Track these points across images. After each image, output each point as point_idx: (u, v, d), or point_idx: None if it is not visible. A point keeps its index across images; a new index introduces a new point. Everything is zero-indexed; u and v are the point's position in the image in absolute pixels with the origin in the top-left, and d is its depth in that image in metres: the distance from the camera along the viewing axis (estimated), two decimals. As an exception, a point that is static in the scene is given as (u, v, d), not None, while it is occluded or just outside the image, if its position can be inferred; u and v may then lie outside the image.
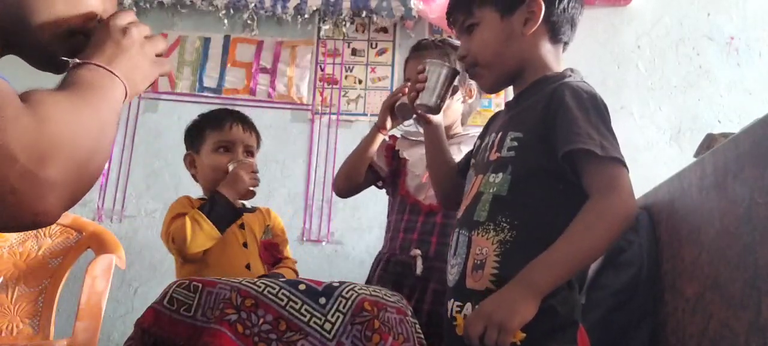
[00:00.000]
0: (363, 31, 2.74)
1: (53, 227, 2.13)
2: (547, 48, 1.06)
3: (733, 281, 1.11)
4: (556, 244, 0.89)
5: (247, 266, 1.51)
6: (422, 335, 1.08)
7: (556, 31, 1.06)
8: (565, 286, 0.94)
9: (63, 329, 2.11)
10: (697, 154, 1.51)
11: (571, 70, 1.06)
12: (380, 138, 1.46)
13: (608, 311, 1.52)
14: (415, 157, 1.46)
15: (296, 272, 1.57)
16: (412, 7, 2.57)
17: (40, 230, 2.12)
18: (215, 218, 1.43)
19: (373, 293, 1.07)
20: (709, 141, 1.49)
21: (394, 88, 2.27)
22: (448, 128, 1.46)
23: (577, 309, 0.96)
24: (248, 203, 1.63)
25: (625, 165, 0.93)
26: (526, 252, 0.91)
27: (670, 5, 2.64)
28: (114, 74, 0.69)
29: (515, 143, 0.99)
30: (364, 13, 2.68)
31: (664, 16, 2.64)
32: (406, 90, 1.32)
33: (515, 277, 0.90)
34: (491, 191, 0.98)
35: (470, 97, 1.49)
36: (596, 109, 0.96)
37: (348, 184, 1.51)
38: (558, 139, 0.93)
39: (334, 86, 2.69)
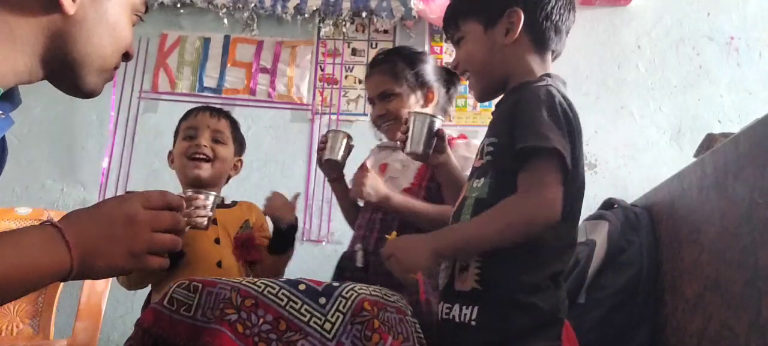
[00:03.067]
0: (363, 31, 2.74)
1: (53, 227, 2.13)
2: (531, 56, 1.07)
3: (733, 281, 1.11)
4: (469, 222, 0.99)
5: (219, 264, 1.49)
6: (422, 335, 1.08)
7: (539, 39, 1.07)
8: (550, 284, 0.97)
9: (63, 329, 2.11)
10: (697, 154, 1.52)
11: (549, 75, 1.06)
12: (343, 185, 1.58)
13: (608, 311, 1.52)
14: (375, 160, 1.57)
15: None
16: (412, 7, 2.57)
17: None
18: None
19: (373, 293, 1.07)
20: (709, 141, 1.49)
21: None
22: None
23: (563, 307, 0.98)
24: (230, 198, 1.65)
25: (562, 168, 0.93)
26: (506, 251, 0.95)
27: (670, 5, 2.64)
28: (67, 246, 0.63)
29: (492, 148, 1.03)
30: (364, 14, 2.68)
31: (664, 16, 2.64)
32: (325, 144, 1.49)
33: (432, 232, 1.02)
34: (474, 195, 1.03)
35: (431, 101, 1.55)
36: (550, 110, 0.96)
37: (353, 221, 1.62)
38: (515, 139, 0.96)
39: (334, 86, 2.69)
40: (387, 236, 1.06)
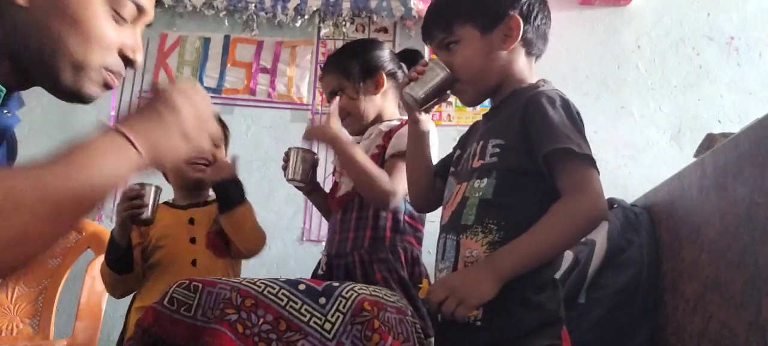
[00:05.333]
0: (363, 31, 2.73)
1: (53, 227, 2.13)
2: (523, 62, 1.10)
3: (733, 281, 1.11)
4: (525, 236, 0.94)
5: (193, 262, 1.52)
6: (423, 335, 1.08)
7: (530, 46, 1.11)
8: (550, 285, 0.99)
9: (63, 329, 2.11)
10: (697, 154, 1.52)
11: (544, 80, 1.11)
12: (320, 194, 1.58)
13: (608, 311, 1.52)
14: (337, 161, 1.53)
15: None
16: (412, 7, 2.57)
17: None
18: (109, 260, 1.49)
19: (373, 293, 1.07)
20: (709, 141, 1.49)
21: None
22: (377, 119, 1.52)
23: (562, 307, 1.01)
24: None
25: (596, 167, 0.97)
26: None
27: (670, 5, 2.64)
28: (136, 150, 0.68)
29: (497, 150, 1.03)
30: (364, 14, 2.68)
31: (664, 16, 2.63)
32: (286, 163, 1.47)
33: (483, 259, 0.96)
34: (477, 195, 1.02)
35: (379, 89, 1.50)
36: (569, 114, 1.00)
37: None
38: (538, 143, 0.97)
39: (334, 86, 2.68)
40: (419, 286, 1.00)
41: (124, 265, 1.49)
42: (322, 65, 1.59)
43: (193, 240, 1.55)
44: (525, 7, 1.08)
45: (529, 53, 1.11)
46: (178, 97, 0.72)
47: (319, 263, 1.49)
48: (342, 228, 1.41)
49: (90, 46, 0.75)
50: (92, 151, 0.64)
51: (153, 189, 1.44)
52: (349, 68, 1.48)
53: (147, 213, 1.42)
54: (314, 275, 1.45)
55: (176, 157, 0.73)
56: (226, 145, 1.73)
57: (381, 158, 1.42)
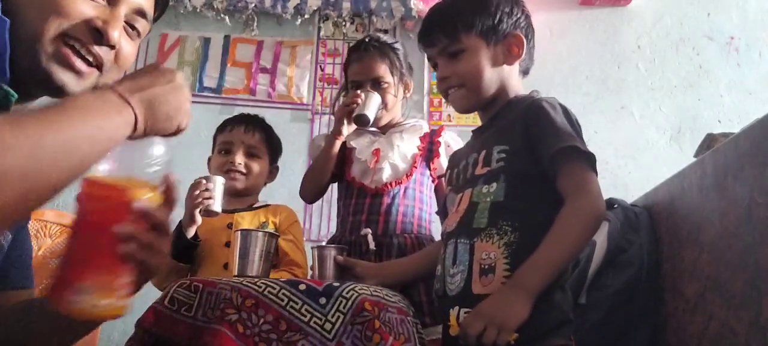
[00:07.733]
0: (363, 31, 2.73)
1: (53, 226, 2.13)
2: (516, 76, 1.19)
3: (733, 281, 1.11)
4: (541, 248, 0.97)
5: (225, 266, 1.53)
6: (424, 335, 1.08)
7: (525, 61, 1.19)
8: (558, 288, 1.01)
9: (63, 329, 2.11)
10: (697, 154, 1.52)
11: (536, 91, 1.18)
12: (338, 144, 1.52)
13: (608, 311, 1.52)
14: (362, 145, 1.55)
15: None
16: (412, 8, 2.57)
17: (39, 229, 2.12)
18: (172, 248, 1.47)
19: (373, 293, 1.07)
20: (709, 141, 1.49)
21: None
22: (391, 121, 1.58)
23: (571, 309, 1.03)
24: (265, 200, 1.70)
25: (595, 170, 1.02)
26: (532, 250, 0.98)
27: (670, 5, 2.64)
28: (125, 100, 0.63)
29: (503, 155, 1.06)
30: (364, 14, 2.68)
31: (664, 16, 2.64)
32: (359, 100, 1.47)
33: (508, 281, 0.98)
34: (488, 199, 1.05)
35: (408, 92, 1.61)
36: (569, 118, 1.06)
37: (317, 190, 1.57)
38: (544, 144, 1.02)
39: (334, 86, 2.69)
40: (448, 324, 1.00)
41: (186, 255, 1.52)
42: (363, 46, 1.59)
43: (228, 244, 1.55)
44: (525, 29, 1.16)
45: (523, 68, 1.19)
46: (170, 73, 0.70)
47: (349, 241, 1.46)
48: (388, 211, 1.45)
49: (45, 13, 0.70)
50: (85, 106, 0.60)
51: (218, 181, 1.47)
52: (398, 68, 1.54)
53: (215, 205, 1.46)
54: (350, 254, 1.41)
55: (171, 123, 0.69)
56: (274, 149, 1.74)
57: (425, 158, 1.51)
